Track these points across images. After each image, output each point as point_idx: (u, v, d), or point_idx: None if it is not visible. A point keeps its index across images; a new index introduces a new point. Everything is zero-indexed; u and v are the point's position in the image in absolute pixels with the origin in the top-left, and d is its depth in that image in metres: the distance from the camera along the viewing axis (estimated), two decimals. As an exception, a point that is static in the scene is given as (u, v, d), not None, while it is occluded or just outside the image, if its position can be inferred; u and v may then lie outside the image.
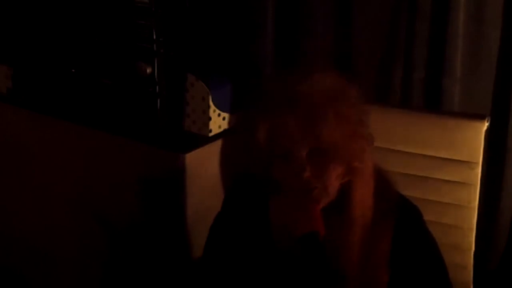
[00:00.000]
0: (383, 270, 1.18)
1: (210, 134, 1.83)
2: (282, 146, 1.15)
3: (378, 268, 1.18)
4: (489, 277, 1.87)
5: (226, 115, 1.86)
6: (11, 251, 2.35)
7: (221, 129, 1.86)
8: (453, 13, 1.73)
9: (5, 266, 2.36)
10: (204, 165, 1.82)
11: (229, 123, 1.88)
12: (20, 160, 2.19)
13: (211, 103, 1.80)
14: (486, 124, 1.55)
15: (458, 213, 1.60)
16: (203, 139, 1.82)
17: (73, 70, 1.99)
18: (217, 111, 1.83)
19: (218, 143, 1.85)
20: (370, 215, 1.20)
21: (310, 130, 1.12)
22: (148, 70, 1.78)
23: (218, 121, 1.84)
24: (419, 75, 1.83)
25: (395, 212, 1.22)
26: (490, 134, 1.64)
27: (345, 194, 1.20)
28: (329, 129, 1.12)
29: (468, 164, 1.56)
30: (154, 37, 1.76)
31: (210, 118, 1.81)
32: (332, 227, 1.17)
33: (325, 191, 1.17)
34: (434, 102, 1.83)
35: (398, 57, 1.85)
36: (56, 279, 2.22)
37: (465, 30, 1.76)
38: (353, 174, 1.19)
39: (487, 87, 1.82)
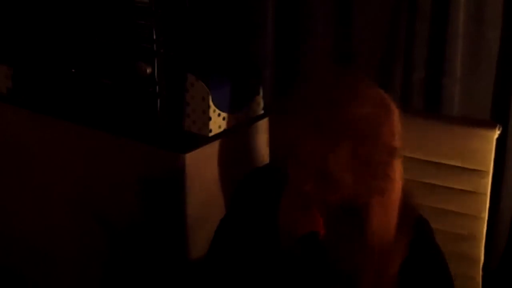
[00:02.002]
0: (392, 284, 1.16)
1: (210, 134, 1.83)
2: (298, 153, 1.11)
3: (387, 282, 1.15)
4: (489, 278, 1.87)
5: (226, 115, 1.86)
6: (11, 251, 2.35)
7: (221, 129, 1.86)
8: (453, 13, 1.73)
9: (5, 266, 2.36)
10: (204, 165, 1.82)
11: (230, 122, 1.88)
12: (20, 160, 2.19)
13: (211, 103, 1.80)
14: (497, 133, 1.51)
15: (467, 223, 1.56)
16: (203, 139, 1.82)
17: (73, 70, 1.99)
18: (217, 111, 1.83)
19: (218, 143, 1.85)
20: (390, 238, 1.13)
21: (322, 158, 1.06)
22: (148, 70, 1.78)
23: (218, 121, 1.84)
24: (419, 75, 1.83)
25: (413, 231, 1.16)
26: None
27: (359, 217, 1.14)
28: (341, 165, 1.05)
29: (478, 172, 1.53)
30: (154, 37, 1.76)
31: (210, 118, 1.81)
32: (341, 233, 1.15)
33: (325, 203, 1.14)
34: (434, 102, 1.83)
35: (398, 57, 1.85)
36: (56, 279, 2.22)
37: (465, 30, 1.76)
38: (367, 202, 1.12)
39: (487, 87, 1.82)
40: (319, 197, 1.12)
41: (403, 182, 1.16)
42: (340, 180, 1.07)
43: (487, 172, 1.52)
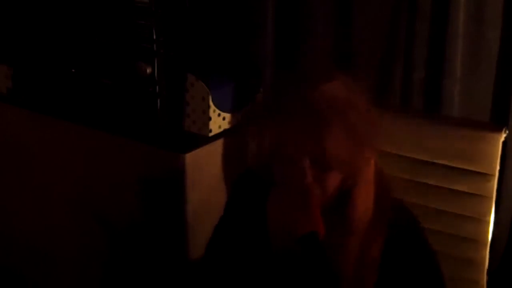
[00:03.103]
0: (372, 272, 1.18)
1: (210, 134, 1.83)
2: (285, 151, 1.14)
3: (368, 269, 1.17)
4: (489, 278, 1.87)
5: (226, 115, 1.86)
6: (11, 251, 2.35)
7: (221, 129, 1.86)
8: (453, 13, 1.73)
9: (5, 266, 2.36)
10: (204, 165, 1.82)
11: (230, 122, 1.88)
12: (20, 160, 2.19)
13: (211, 103, 1.80)
14: (503, 136, 1.50)
15: (471, 226, 1.54)
16: (203, 139, 1.83)
17: (73, 70, 1.99)
18: (217, 111, 1.83)
19: (218, 143, 1.85)
20: (369, 219, 1.19)
21: (315, 141, 1.11)
22: (148, 70, 1.78)
23: (218, 121, 1.84)
24: (419, 75, 1.83)
25: (389, 216, 1.20)
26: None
27: (346, 197, 1.18)
28: (335, 142, 1.10)
29: (483, 176, 1.51)
30: (154, 37, 1.76)
31: (210, 118, 1.81)
32: (331, 228, 1.17)
33: (325, 195, 1.17)
34: (434, 102, 1.83)
35: (398, 57, 1.85)
36: (56, 279, 2.22)
37: (465, 30, 1.76)
38: (356, 181, 1.18)
39: (487, 87, 1.82)
40: (319, 188, 1.14)
41: (383, 173, 1.22)
42: (339, 160, 1.12)
43: (492, 175, 1.51)
